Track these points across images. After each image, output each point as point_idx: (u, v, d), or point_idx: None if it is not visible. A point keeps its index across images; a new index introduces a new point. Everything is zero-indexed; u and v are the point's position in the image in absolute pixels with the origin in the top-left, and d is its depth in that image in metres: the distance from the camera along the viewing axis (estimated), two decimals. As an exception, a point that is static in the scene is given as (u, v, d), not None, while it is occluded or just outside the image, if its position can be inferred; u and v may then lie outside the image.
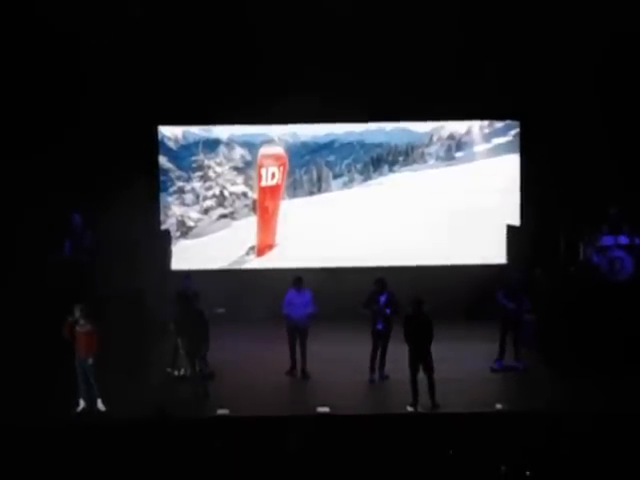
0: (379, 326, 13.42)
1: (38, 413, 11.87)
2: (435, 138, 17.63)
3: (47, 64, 15.82)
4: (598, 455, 10.06)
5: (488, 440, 10.44)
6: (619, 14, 15.35)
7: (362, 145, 17.60)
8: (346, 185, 17.68)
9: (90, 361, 12.16)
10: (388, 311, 13.33)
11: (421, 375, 12.48)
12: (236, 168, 17.58)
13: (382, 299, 13.38)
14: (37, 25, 15.35)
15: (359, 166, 17.64)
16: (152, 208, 17.13)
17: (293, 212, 17.56)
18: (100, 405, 12.27)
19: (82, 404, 12.26)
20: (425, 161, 17.66)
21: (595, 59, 15.95)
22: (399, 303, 13.40)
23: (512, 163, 17.44)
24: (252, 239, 17.56)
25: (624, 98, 16.34)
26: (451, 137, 17.63)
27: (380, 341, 13.50)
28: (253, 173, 17.53)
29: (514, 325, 14.07)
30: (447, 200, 17.45)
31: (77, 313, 12.16)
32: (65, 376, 12.58)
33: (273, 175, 17.48)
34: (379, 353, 13.55)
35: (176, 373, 13.66)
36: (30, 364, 12.98)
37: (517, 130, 17.41)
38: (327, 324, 14.69)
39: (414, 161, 17.63)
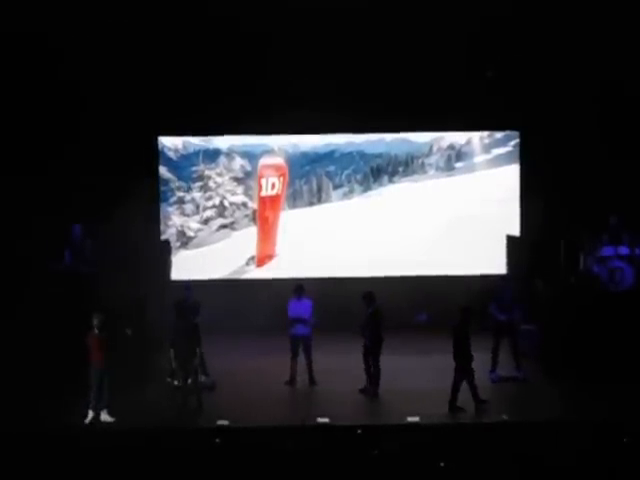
0: (366, 341, 13.37)
1: (38, 423, 11.83)
2: (435, 148, 17.66)
3: (48, 74, 15.86)
4: (599, 464, 10.05)
5: (489, 450, 10.42)
6: (618, 24, 15.39)
7: (362, 155, 17.62)
8: (346, 195, 17.70)
9: (100, 369, 12.10)
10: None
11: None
12: (236, 178, 17.61)
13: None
14: (37, 39, 15.39)
15: (359, 176, 17.67)
16: (152, 218, 17.15)
17: (293, 222, 17.57)
18: (105, 416, 12.17)
19: (90, 415, 12.15)
20: (425, 171, 17.68)
21: (594, 70, 16.00)
22: (383, 318, 13.24)
23: (512, 173, 17.47)
24: (252, 249, 17.56)
25: (623, 109, 16.38)
26: (451, 147, 17.66)
27: (367, 356, 13.40)
28: (253, 183, 17.55)
29: (509, 335, 14.03)
30: (447, 210, 17.48)
31: (96, 322, 12.14)
32: (63, 385, 12.57)
33: (273, 185, 17.49)
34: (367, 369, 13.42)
35: (176, 383, 13.60)
36: (30, 372, 12.96)
37: (517, 140, 17.46)
38: (327, 334, 14.64)
39: (414, 172, 17.65)
